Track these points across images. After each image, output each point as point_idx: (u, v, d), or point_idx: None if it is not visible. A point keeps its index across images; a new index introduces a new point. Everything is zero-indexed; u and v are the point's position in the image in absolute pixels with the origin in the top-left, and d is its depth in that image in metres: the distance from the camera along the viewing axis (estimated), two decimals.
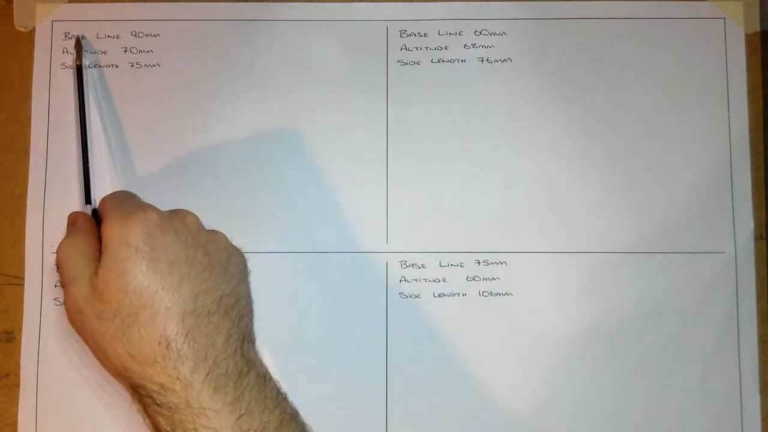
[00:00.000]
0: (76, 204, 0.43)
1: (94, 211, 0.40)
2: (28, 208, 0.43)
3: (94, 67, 0.44)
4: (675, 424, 0.43)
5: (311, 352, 0.43)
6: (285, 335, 0.43)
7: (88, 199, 0.41)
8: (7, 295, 0.43)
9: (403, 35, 0.45)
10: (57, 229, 0.43)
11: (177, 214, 0.36)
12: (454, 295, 0.44)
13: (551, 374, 0.43)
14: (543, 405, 0.43)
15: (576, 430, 0.43)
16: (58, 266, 0.36)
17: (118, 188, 0.43)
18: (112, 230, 0.34)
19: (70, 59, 0.44)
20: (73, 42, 0.44)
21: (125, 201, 0.37)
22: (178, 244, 0.34)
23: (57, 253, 0.36)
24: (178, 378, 0.33)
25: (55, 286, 0.43)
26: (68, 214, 0.40)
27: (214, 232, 0.37)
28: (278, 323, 0.43)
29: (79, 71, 0.43)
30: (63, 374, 0.42)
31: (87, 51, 0.44)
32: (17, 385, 0.42)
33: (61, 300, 0.43)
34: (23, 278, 0.43)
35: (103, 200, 0.38)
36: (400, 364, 0.43)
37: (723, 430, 0.43)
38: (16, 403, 0.42)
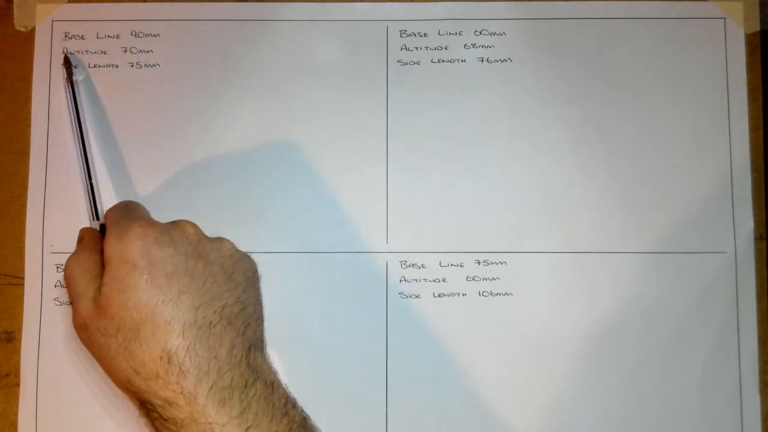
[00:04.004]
0: (76, 204, 0.43)
1: (102, 226, 0.40)
2: (28, 208, 0.43)
3: (86, 72, 0.44)
4: (675, 424, 0.43)
5: (311, 351, 0.43)
6: (285, 335, 0.43)
7: (96, 215, 0.41)
8: (7, 295, 0.43)
9: (403, 35, 0.45)
10: (57, 229, 0.43)
11: (176, 225, 0.36)
12: (454, 295, 0.44)
13: (551, 374, 0.43)
14: (543, 405, 0.43)
15: (576, 429, 0.43)
16: (66, 283, 0.36)
17: (119, 191, 0.43)
18: (111, 247, 0.35)
19: (70, 59, 0.44)
20: (72, 42, 0.44)
21: (124, 216, 0.37)
22: (176, 256, 0.34)
23: (64, 270, 0.36)
24: (181, 392, 0.32)
25: (55, 286, 0.43)
26: (68, 216, 0.40)
27: (218, 239, 0.37)
28: (278, 323, 0.42)
29: (72, 88, 0.43)
30: (63, 374, 0.42)
31: (77, 61, 0.44)
32: (17, 385, 0.42)
33: (62, 300, 0.43)
34: (23, 278, 0.43)
35: (106, 215, 0.38)
36: (400, 364, 0.43)
37: (723, 430, 0.43)
38: (16, 403, 0.42)
